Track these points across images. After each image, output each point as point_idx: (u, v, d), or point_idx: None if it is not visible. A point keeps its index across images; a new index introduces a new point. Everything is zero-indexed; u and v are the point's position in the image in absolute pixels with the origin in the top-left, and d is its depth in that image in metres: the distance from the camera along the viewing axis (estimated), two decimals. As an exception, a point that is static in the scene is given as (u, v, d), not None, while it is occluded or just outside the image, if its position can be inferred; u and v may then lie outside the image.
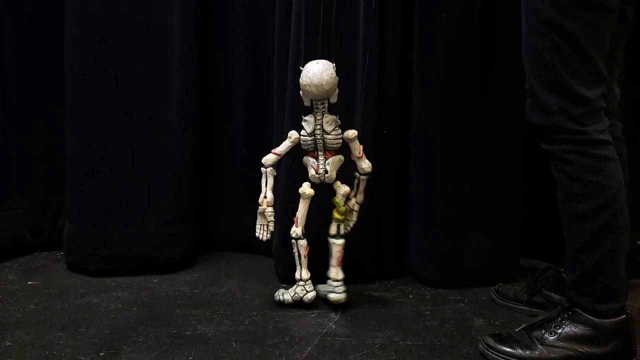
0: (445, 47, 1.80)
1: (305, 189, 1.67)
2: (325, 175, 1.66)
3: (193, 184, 2.02)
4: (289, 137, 1.68)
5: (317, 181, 1.68)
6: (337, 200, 1.68)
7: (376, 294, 1.80)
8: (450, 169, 1.85)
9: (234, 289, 1.83)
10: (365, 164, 1.67)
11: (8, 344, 1.45)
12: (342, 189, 1.68)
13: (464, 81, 1.81)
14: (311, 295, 1.68)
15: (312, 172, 1.67)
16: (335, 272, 1.69)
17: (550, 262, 1.78)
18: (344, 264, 1.70)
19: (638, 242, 1.87)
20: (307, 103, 1.66)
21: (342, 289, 1.68)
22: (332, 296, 1.67)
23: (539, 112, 1.37)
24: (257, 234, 1.69)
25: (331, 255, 1.70)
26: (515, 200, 1.90)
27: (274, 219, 1.68)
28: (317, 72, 1.59)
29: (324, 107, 1.64)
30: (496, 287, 1.80)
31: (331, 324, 1.61)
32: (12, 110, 2.03)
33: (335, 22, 1.74)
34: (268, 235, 1.69)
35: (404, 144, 1.90)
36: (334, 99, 1.65)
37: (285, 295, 1.70)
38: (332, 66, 1.62)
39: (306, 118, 1.67)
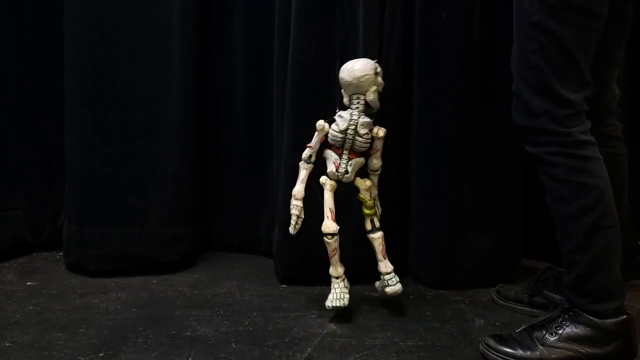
0: (446, 46, 1.79)
1: (327, 180, 1.65)
2: (345, 175, 1.64)
3: (193, 184, 2.01)
4: (318, 127, 1.62)
5: (335, 178, 1.65)
6: (362, 196, 1.67)
7: (376, 295, 1.80)
8: (450, 169, 1.84)
9: (234, 290, 1.83)
10: (378, 162, 1.68)
11: (7, 344, 1.44)
12: (364, 183, 1.66)
13: (465, 81, 1.80)
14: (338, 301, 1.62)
15: (332, 168, 1.64)
16: (384, 265, 1.68)
17: (550, 262, 1.77)
18: (347, 264, 1.69)
19: (639, 242, 1.87)
20: (345, 100, 1.64)
21: (395, 280, 1.67)
22: (389, 290, 1.66)
23: (524, 113, 1.38)
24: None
25: (375, 250, 1.69)
26: (516, 200, 1.90)
27: (297, 213, 1.65)
28: (351, 64, 1.61)
29: (358, 102, 1.61)
30: (497, 287, 1.80)
31: (331, 324, 1.60)
32: (12, 110, 2.03)
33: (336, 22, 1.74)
34: (295, 228, 1.66)
35: (405, 144, 1.90)
36: (370, 97, 1.60)
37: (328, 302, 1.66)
38: (372, 62, 1.61)
39: (341, 114, 1.62)
